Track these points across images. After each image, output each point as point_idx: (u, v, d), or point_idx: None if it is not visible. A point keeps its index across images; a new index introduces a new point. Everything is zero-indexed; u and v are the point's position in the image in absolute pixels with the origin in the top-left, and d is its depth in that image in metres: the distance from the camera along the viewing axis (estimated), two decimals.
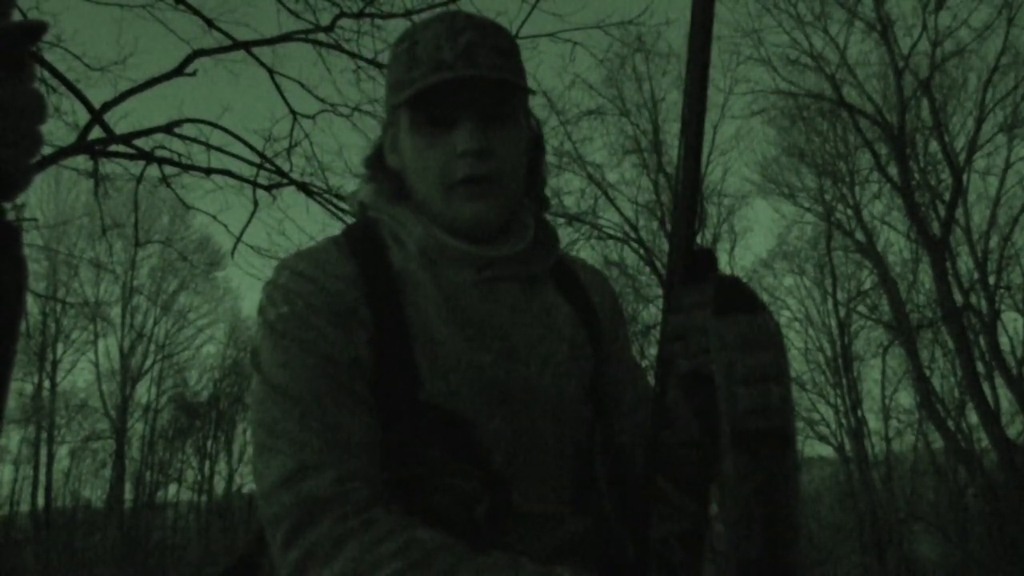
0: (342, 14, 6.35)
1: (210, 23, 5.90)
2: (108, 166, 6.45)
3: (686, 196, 0.72)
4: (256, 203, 6.33)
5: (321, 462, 0.78)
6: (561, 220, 11.98)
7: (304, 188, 6.29)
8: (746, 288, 0.70)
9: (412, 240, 0.91)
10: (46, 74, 5.08)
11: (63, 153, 5.22)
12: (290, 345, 0.83)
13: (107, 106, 5.40)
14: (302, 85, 6.69)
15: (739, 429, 0.64)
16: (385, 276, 0.89)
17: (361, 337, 0.85)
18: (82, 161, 6.10)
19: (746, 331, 0.67)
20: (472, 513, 0.83)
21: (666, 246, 13.05)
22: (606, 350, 1.01)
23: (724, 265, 14.87)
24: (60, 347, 18.02)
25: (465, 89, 0.87)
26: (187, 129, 6.00)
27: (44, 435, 17.73)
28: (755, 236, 20.16)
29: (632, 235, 13.12)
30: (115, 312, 18.62)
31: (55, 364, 17.85)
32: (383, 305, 0.87)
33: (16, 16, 0.50)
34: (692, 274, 0.74)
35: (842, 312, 15.45)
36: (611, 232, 12.80)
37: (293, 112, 6.53)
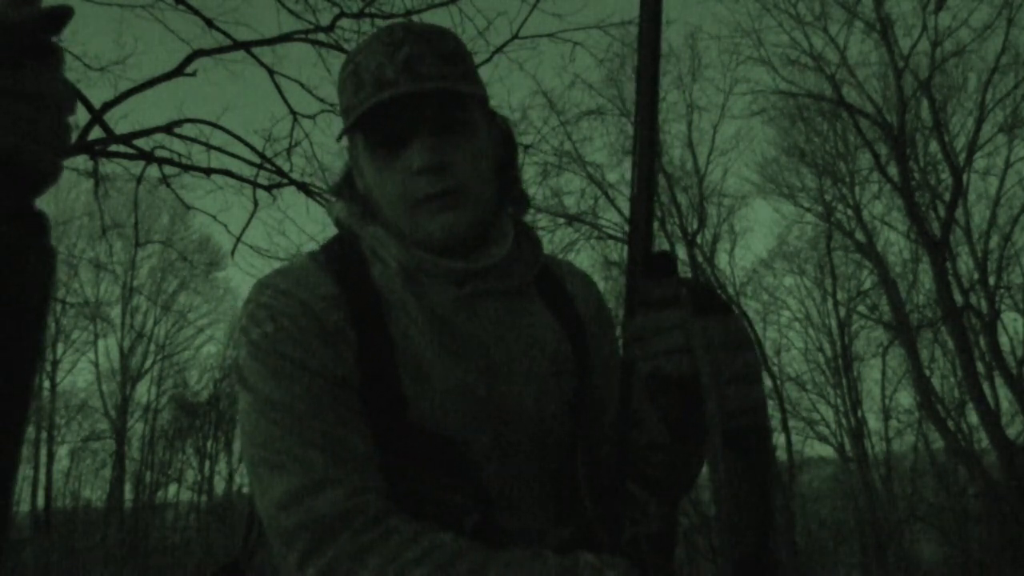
0: (342, 14, 6.35)
1: (210, 23, 5.91)
2: (108, 166, 6.47)
3: (642, 200, 0.72)
4: (256, 203, 6.35)
5: (329, 477, 0.77)
6: (561, 220, 11.99)
7: (304, 188, 6.30)
8: (716, 290, 0.71)
9: (391, 257, 0.89)
10: None
11: None
12: (280, 362, 0.82)
13: (107, 106, 5.40)
14: (302, 85, 6.70)
15: (729, 429, 0.64)
16: (367, 295, 0.88)
17: (348, 357, 0.84)
18: (82, 161, 6.11)
19: (729, 332, 0.68)
20: (462, 526, 0.83)
21: (665, 245, 13.08)
22: (591, 360, 0.99)
23: (724, 265, 14.87)
24: (60, 347, 18.01)
25: (412, 104, 0.85)
26: (187, 129, 6.02)
27: (44, 435, 17.72)
28: (755, 236, 20.18)
29: None
30: (115, 312, 18.63)
31: (55, 364, 17.85)
32: (367, 325, 0.86)
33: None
34: (651, 277, 0.73)
35: (842, 312, 15.46)
36: (611, 232, 12.79)
37: (293, 112, 6.55)
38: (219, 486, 19.18)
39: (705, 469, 0.85)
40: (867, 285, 14.90)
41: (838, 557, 15.00)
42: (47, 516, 17.28)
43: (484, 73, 5.36)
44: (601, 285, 11.74)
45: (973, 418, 12.35)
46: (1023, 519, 9.90)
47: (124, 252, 15.88)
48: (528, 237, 0.98)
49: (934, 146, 12.40)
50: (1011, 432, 10.90)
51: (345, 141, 0.98)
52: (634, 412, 0.79)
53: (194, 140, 6.09)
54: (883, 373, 15.14)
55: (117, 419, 18.14)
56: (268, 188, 6.38)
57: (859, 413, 15.14)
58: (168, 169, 6.11)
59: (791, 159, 14.59)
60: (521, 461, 0.89)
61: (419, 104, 0.85)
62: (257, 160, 6.28)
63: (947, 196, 11.64)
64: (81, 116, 5.41)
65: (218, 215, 18.57)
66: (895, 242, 20.57)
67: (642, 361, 0.72)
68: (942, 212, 11.80)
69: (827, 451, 15.97)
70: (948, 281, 10.99)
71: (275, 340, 0.83)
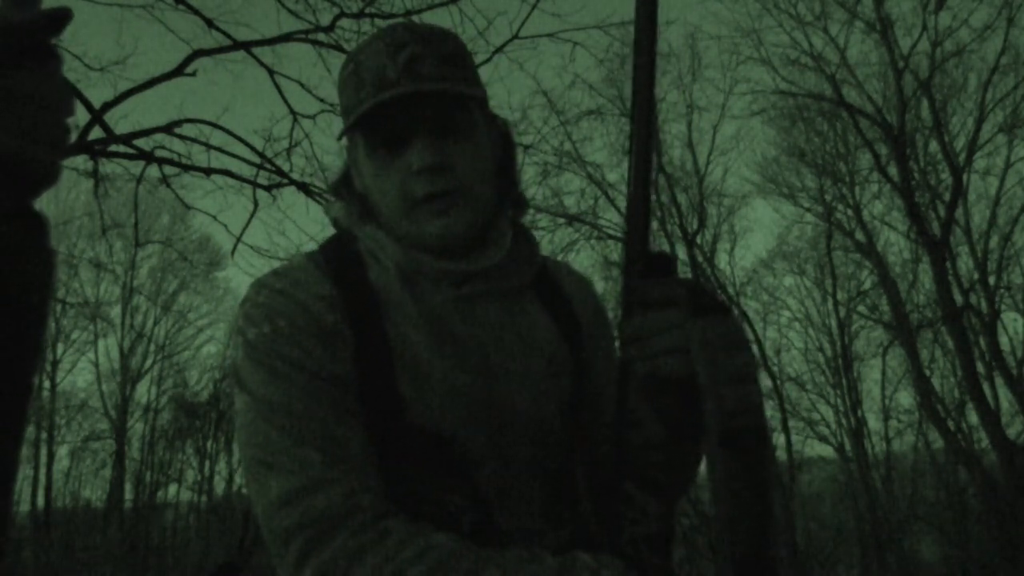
0: (342, 14, 6.36)
1: (210, 23, 5.91)
2: (108, 166, 6.48)
3: (639, 200, 0.72)
4: (256, 203, 6.36)
5: (326, 477, 0.77)
6: (561, 220, 11.99)
7: (304, 188, 6.30)
8: (714, 291, 0.71)
9: (389, 258, 0.90)
10: None
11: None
12: (277, 363, 0.82)
13: (107, 106, 5.41)
14: (302, 85, 6.71)
15: (727, 429, 0.65)
16: (364, 296, 0.88)
17: (345, 357, 0.84)
18: (82, 161, 6.11)
19: (727, 332, 0.68)
20: (460, 526, 0.83)
21: (665, 245, 13.07)
22: (589, 361, 0.99)
23: (724, 265, 14.87)
24: (60, 347, 18.01)
25: (413, 105, 0.85)
26: (187, 129, 6.02)
27: (44, 435, 17.72)
28: (755, 236, 20.18)
29: None
30: (115, 312, 18.62)
31: (55, 364, 17.84)
32: (364, 326, 0.86)
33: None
34: (649, 277, 0.73)
35: (842, 312, 15.45)
36: (611, 232, 12.78)
37: (293, 112, 6.55)
38: (219, 486, 19.19)
39: (704, 469, 0.86)
40: (867, 285, 14.90)
41: (838, 557, 14.98)
42: (47, 516, 17.27)
43: (484, 73, 5.36)
44: (601, 285, 11.74)
45: (973, 418, 12.35)
46: (1023, 519, 9.90)
47: (124, 252, 15.91)
48: (526, 238, 0.98)
49: (934, 146, 12.41)
50: (1011, 432, 10.90)
51: (345, 141, 0.98)
52: (631, 412, 0.79)
53: (194, 140, 6.11)
54: (883, 373, 15.14)
55: (117, 419, 18.14)
56: (268, 188, 6.38)
57: (859, 413, 15.13)
58: (168, 169, 6.12)
59: (791, 159, 14.59)
60: (519, 462, 0.89)
61: (419, 105, 0.86)
62: (257, 160, 6.29)
63: (947, 196, 11.63)
64: (81, 116, 5.41)
65: (218, 215, 18.57)
66: (895, 242, 20.58)
67: (640, 361, 0.72)
68: (942, 212, 11.80)
69: (827, 451, 15.98)
70: (948, 281, 10.99)
71: (272, 340, 0.83)
